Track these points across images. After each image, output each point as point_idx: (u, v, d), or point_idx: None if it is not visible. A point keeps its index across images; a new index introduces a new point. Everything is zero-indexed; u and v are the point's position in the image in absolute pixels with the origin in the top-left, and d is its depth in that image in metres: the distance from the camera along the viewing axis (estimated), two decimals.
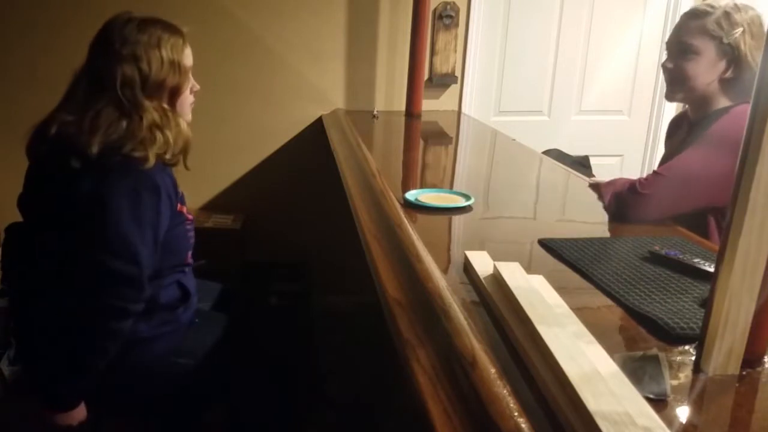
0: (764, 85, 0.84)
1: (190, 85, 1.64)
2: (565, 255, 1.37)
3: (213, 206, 3.15)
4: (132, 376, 1.59)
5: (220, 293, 1.97)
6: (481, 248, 1.35)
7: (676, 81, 1.75)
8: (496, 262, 1.22)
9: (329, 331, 2.72)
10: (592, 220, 1.67)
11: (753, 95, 0.86)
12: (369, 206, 1.75)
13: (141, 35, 1.52)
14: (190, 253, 1.69)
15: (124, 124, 1.47)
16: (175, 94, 1.59)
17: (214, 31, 2.92)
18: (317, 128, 3.03)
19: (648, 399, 0.82)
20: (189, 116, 1.66)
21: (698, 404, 0.88)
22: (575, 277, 1.28)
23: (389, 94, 3.16)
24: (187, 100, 1.65)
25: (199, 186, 3.14)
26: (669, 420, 0.81)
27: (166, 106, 1.57)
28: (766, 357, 0.96)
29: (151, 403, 1.67)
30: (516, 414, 0.82)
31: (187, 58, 1.61)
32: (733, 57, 1.66)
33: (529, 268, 1.20)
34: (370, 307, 1.38)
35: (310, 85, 3.06)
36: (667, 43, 1.79)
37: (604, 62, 3.26)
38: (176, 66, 1.56)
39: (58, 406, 1.50)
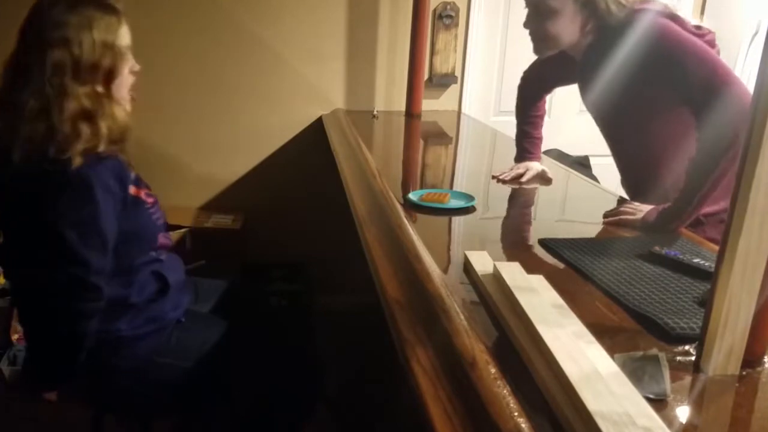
0: (764, 86, 0.84)
1: (130, 65, 1.56)
2: (565, 255, 1.37)
3: (213, 206, 3.15)
4: (117, 376, 1.58)
5: (222, 292, 1.96)
6: (481, 248, 1.35)
7: (541, 40, 1.73)
8: (496, 262, 1.22)
9: (329, 331, 2.72)
10: (592, 220, 1.67)
11: (753, 96, 0.86)
12: (369, 206, 1.75)
13: (71, 17, 1.42)
14: (161, 236, 1.64)
15: (44, 122, 1.39)
16: (110, 76, 1.50)
17: (215, 31, 2.92)
18: (317, 128, 3.03)
19: (648, 399, 0.82)
20: (127, 101, 1.58)
21: (698, 404, 0.89)
22: (575, 277, 1.28)
23: (389, 94, 3.16)
24: (125, 81, 1.55)
25: (199, 186, 3.14)
26: (669, 420, 0.81)
27: (100, 89, 1.48)
28: (766, 357, 0.96)
29: (142, 403, 1.67)
30: (516, 414, 0.82)
31: (123, 37, 1.52)
32: (591, 10, 1.63)
33: (529, 268, 1.20)
34: (370, 307, 1.38)
35: (310, 85, 3.06)
36: (525, 2, 1.76)
37: None
38: (111, 47, 1.47)
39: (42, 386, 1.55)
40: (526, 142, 2.06)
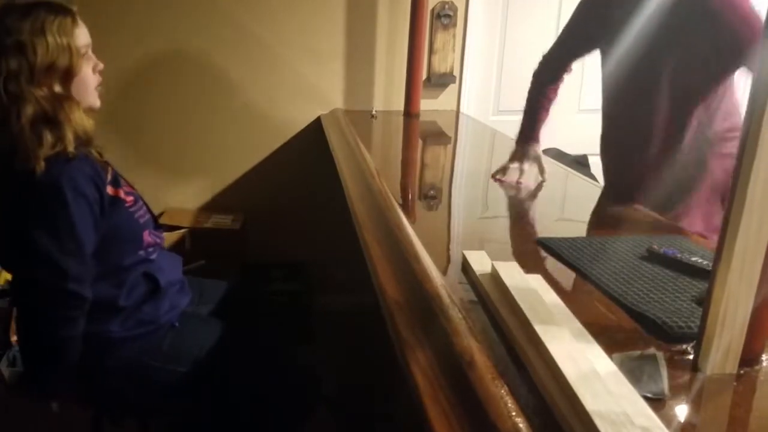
0: (760, 84, 0.84)
1: (92, 64, 1.55)
2: (563, 254, 1.38)
3: (213, 206, 3.15)
4: (108, 377, 1.58)
5: (223, 293, 1.96)
6: (479, 248, 1.35)
7: None
8: (494, 262, 1.22)
9: (328, 331, 2.72)
10: (591, 220, 1.67)
11: (750, 93, 0.86)
12: (368, 206, 1.75)
13: (23, 23, 1.43)
14: (146, 233, 1.62)
15: (5, 131, 1.40)
16: (68, 76, 1.49)
17: (215, 32, 2.92)
18: (316, 128, 3.03)
19: (646, 398, 0.82)
20: (93, 100, 1.57)
21: (696, 403, 0.89)
22: (573, 277, 1.28)
23: (388, 94, 3.16)
24: (86, 81, 1.54)
25: (198, 186, 3.14)
26: (667, 419, 0.81)
27: (58, 90, 1.48)
28: (763, 356, 0.96)
29: (135, 405, 1.67)
30: (514, 414, 0.82)
31: (79, 37, 1.51)
32: None
33: (528, 268, 1.20)
34: (370, 307, 1.38)
35: (309, 84, 3.06)
36: None
37: None
38: (66, 48, 1.46)
39: (40, 393, 1.54)
40: (529, 125, 2.05)
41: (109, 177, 1.52)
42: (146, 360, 1.59)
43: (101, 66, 1.58)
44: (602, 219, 1.68)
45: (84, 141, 1.48)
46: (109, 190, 1.51)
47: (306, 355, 1.96)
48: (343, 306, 2.81)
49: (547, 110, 2.07)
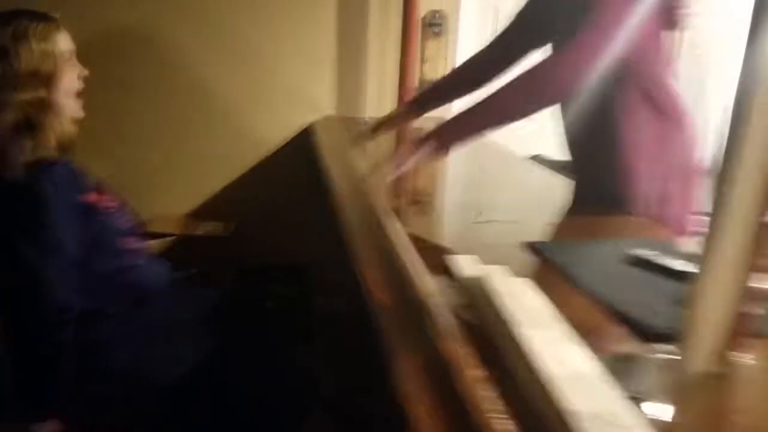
0: (745, 86, 0.85)
1: (76, 71, 1.58)
2: (551, 258, 1.39)
3: (203, 213, 3.14)
4: (106, 384, 1.58)
5: (214, 300, 1.96)
6: (469, 252, 1.36)
7: None
8: (483, 266, 1.23)
9: (325, 334, 2.72)
10: (578, 223, 1.68)
11: (735, 95, 0.88)
12: (358, 211, 1.75)
13: (6, 30, 1.45)
14: (131, 240, 1.63)
15: None
16: (50, 82, 1.51)
17: (205, 37, 2.93)
18: (307, 134, 3.03)
19: (631, 398, 0.83)
20: (76, 107, 1.59)
21: (679, 402, 0.90)
22: (560, 280, 1.29)
23: (380, 101, 3.17)
24: (69, 87, 1.56)
25: (188, 193, 3.14)
26: (651, 419, 0.82)
27: (42, 95, 1.50)
28: (746, 355, 0.97)
29: (125, 412, 1.67)
30: (501, 416, 0.83)
31: (61, 43, 1.54)
32: None
33: (517, 272, 1.21)
34: (362, 310, 1.39)
35: (300, 91, 3.07)
36: None
37: None
38: (49, 53, 1.49)
39: (33, 416, 1.50)
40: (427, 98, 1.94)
41: (92, 183, 1.52)
42: (140, 366, 1.59)
43: (86, 72, 1.59)
44: (587, 222, 1.69)
45: (66, 147, 1.49)
46: (92, 196, 1.51)
47: (304, 357, 1.96)
48: (342, 307, 2.81)
49: (459, 92, 1.97)
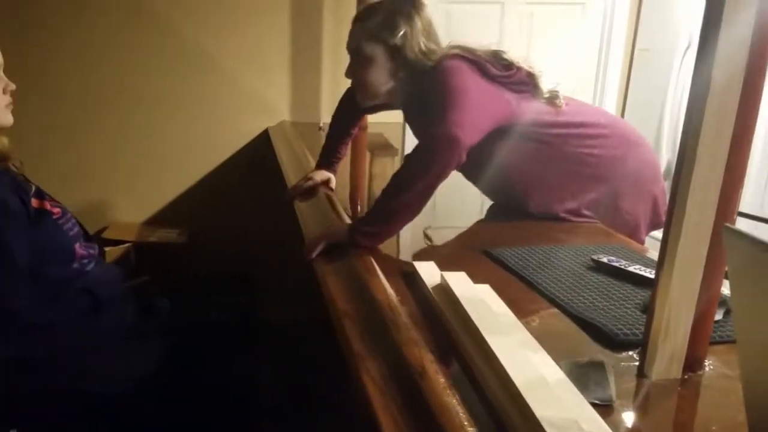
0: (697, 96, 0.87)
1: (3, 85, 1.55)
2: (510, 264, 1.39)
3: (158, 220, 3.09)
4: (38, 401, 1.53)
5: (166, 309, 1.92)
6: (428, 259, 1.36)
7: (361, 87, 1.71)
8: (443, 272, 1.23)
9: (271, 343, 2.69)
10: (535, 230, 1.70)
11: (687, 103, 0.89)
12: (317, 218, 1.74)
13: None
14: (77, 245, 1.60)
15: None
16: None
17: (159, 44, 2.88)
18: (263, 140, 3.00)
19: (594, 404, 0.84)
20: (4, 118, 1.55)
21: (642, 408, 0.91)
22: (521, 286, 1.30)
23: (334, 106, 3.16)
24: None
25: (143, 200, 3.08)
26: (614, 424, 0.82)
27: None
28: (706, 361, 0.98)
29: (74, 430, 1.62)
30: (465, 423, 0.83)
31: None
32: (402, 59, 1.62)
33: (476, 278, 1.21)
34: (315, 319, 1.38)
35: (255, 97, 3.04)
36: (347, 50, 1.73)
37: (544, 73, 3.32)
38: None
39: None
40: (330, 156, 2.04)
41: (32, 190, 1.50)
42: (86, 379, 1.55)
43: (12, 86, 1.56)
44: (544, 229, 1.70)
45: (3, 156, 1.46)
46: (34, 202, 1.49)
47: (249, 366, 1.94)
48: (289, 317, 2.78)
49: (347, 145, 2.07)
